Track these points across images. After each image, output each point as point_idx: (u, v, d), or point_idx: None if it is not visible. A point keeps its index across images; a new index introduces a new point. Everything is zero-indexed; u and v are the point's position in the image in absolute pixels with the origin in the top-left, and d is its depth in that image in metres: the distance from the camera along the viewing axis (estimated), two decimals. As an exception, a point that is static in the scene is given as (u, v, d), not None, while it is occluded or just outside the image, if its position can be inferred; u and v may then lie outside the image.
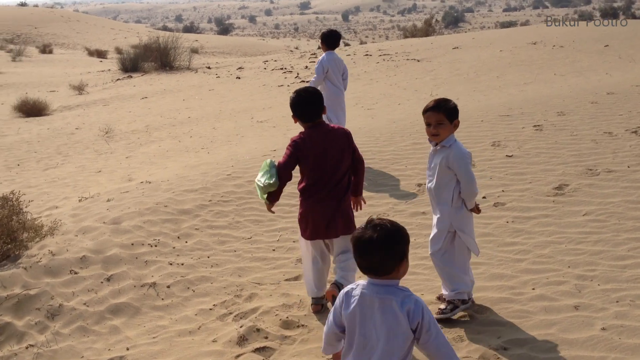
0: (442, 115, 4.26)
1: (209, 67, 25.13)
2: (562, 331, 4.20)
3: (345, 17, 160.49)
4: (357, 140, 5.35)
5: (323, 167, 4.58)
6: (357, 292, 2.88)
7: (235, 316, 4.81)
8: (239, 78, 20.53)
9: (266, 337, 4.47)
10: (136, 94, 19.26)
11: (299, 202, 4.76)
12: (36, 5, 79.78)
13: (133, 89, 20.71)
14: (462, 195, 4.33)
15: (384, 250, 2.79)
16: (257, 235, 6.24)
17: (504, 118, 9.71)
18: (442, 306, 4.46)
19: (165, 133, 12.31)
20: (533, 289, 4.80)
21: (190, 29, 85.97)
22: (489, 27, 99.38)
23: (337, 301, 2.97)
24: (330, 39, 8.74)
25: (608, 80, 12.64)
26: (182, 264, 5.65)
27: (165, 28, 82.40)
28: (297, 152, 4.57)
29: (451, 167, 4.28)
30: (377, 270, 2.83)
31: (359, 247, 2.83)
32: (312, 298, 4.81)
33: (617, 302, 4.48)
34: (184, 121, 13.50)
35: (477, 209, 4.44)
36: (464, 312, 4.51)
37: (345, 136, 4.68)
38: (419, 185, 7.16)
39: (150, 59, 25.94)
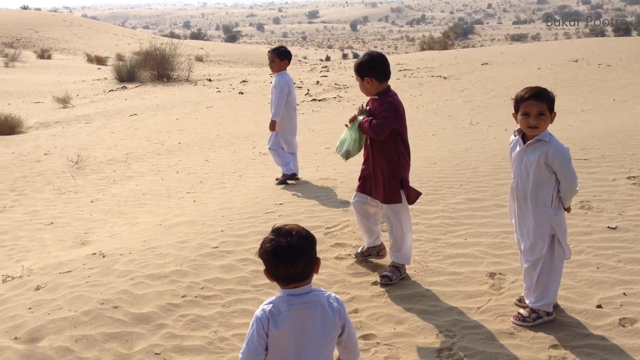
0: (544, 105, 3.94)
1: (209, 80, 22.96)
2: None
3: (353, 26, 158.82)
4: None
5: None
6: (282, 308, 2.65)
7: None
8: (242, 93, 18.31)
9: None
10: (125, 109, 17.05)
11: None
12: (38, 9, 77.95)
13: (123, 103, 18.51)
14: (561, 194, 4.04)
15: (306, 254, 2.64)
16: (250, 371, 3.93)
17: (582, 163, 7.43)
18: (524, 313, 4.18)
19: (148, 165, 10.05)
20: None
21: (197, 35, 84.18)
22: (499, 40, 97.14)
23: (259, 324, 2.64)
24: (286, 55, 7.39)
25: (689, 111, 10.36)
26: None
27: (172, 35, 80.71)
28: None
29: (551, 165, 3.96)
30: (299, 278, 2.66)
31: (281, 257, 2.61)
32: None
33: None
34: (172, 148, 11.26)
35: (569, 209, 4.19)
36: None
37: None
38: (491, 275, 4.87)
39: (147, 68, 23.72)
